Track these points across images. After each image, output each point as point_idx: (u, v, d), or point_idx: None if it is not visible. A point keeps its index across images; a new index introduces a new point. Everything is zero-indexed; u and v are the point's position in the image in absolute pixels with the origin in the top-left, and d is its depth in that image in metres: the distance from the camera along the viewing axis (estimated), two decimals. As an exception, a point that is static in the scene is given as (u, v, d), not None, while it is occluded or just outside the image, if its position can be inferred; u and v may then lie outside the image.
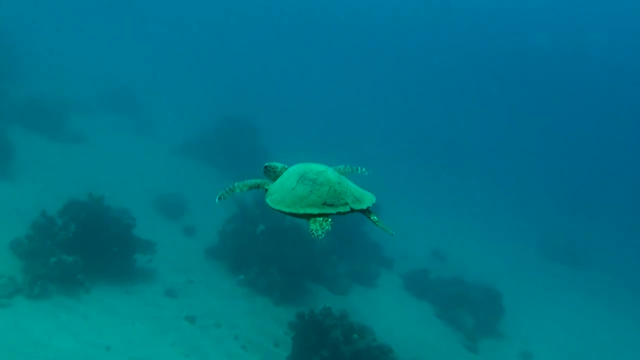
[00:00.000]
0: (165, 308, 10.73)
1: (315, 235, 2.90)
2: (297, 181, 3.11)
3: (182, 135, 23.43)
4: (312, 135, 29.43)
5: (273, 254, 12.66)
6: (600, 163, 39.96)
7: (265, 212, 13.43)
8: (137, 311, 10.35)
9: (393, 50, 51.46)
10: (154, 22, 45.05)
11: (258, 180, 3.56)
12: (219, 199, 3.48)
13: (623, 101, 44.00)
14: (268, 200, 3.18)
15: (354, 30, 52.13)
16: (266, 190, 3.43)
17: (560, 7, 44.58)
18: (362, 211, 3.10)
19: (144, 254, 11.54)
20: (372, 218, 3.19)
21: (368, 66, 50.00)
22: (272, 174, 3.68)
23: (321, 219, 2.94)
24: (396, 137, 34.11)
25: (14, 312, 9.04)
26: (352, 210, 2.99)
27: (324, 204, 2.95)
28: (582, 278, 21.44)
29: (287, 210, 3.00)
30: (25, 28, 28.38)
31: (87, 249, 10.65)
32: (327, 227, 2.92)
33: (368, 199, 3.14)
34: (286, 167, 3.67)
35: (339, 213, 2.96)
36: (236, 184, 3.52)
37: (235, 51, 46.50)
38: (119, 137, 21.83)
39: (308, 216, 3.02)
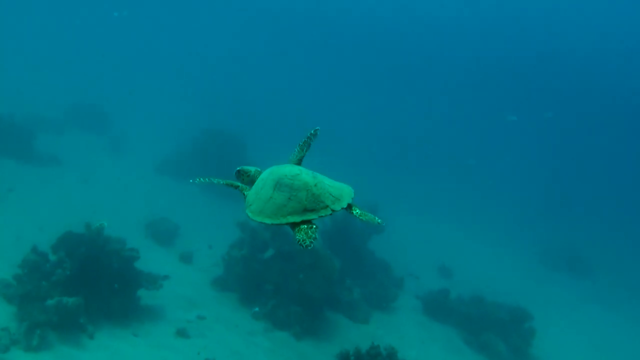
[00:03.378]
0: (179, 351, 9.82)
1: (304, 245, 2.81)
2: (274, 188, 3.06)
3: (161, 152, 22.43)
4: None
5: (288, 282, 11.89)
6: (599, 167, 40.50)
7: (275, 235, 12.68)
8: (148, 356, 9.42)
9: (390, 52, 51.17)
10: (122, 32, 43.70)
11: (238, 183, 3.53)
12: (193, 181, 3.52)
13: (623, 104, 44.56)
14: (248, 212, 3.14)
15: (349, 30, 51.71)
16: (245, 196, 3.39)
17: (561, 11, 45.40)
18: (344, 209, 3.08)
19: (148, 289, 10.59)
20: (354, 212, 3.16)
21: (364, 68, 49.57)
22: (246, 178, 3.64)
23: (306, 226, 2.88)
24: (391, 144, 33.68)
25: (13, 368, 8.03)
26: (334, 212, 2.97)
27: (305, 210, 2.91)
28: (591, 287, 21.35)
29: (269, 221, 2.96)
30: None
31: (87, 288, 9.69)
32: (313, 236, 2.87)
33: (347, 195, 3.12)
34: (260, 170, 3.63)
35: (320, 217, 2.95)
36: (215, 180, 3.52)
37: (210, 59, 45.41)
38: (93, 157, 20.69)
39: (291, 225, 2.96)
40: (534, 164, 39.08)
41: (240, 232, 13.17)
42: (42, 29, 38.25)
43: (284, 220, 2.93)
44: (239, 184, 3.52)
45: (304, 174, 3.16)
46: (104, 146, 22.70)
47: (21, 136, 17.69)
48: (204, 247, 14.74)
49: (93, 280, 9.83)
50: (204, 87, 35.93)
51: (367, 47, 50.95)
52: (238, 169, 3.68)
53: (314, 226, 2.93)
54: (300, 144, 3.77)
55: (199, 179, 3.55)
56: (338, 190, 3.14)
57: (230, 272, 12.58)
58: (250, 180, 3.60)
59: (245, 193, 3.41)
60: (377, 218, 3.19)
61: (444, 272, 18.77)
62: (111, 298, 10.01)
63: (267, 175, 3.29)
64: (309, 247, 2.84)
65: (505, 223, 26.35)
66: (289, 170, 3.21)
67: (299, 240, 2.87)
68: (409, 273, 16.84)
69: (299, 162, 3.72)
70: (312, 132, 3.78)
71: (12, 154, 17.05)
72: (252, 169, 3.65)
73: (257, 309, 11.58)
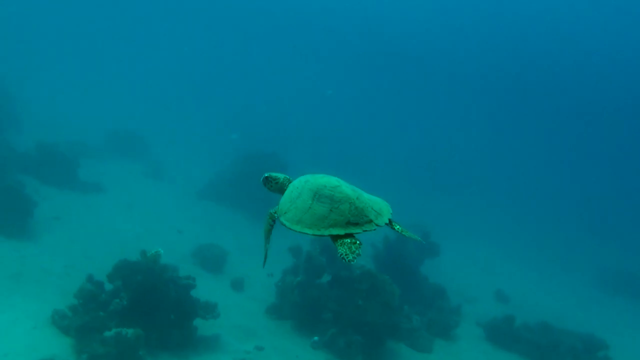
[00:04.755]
0: (240, 384, 9.42)
1: (346, 260, 2.75)
2: (312, 199, 3.01)
3: (201, 176, 22.39)
4: (344, 164, 28.43)
5: (347, 309, 11.42)
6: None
7: (331, 260, 12.29)
8: (209, 390, 9.05)
9: (429, 73, 50.84)
10: (155, 61, 44.45)
11: (269, 221, 3.38)
12: (264, 264, 3.55)
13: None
14: (283, 219, 3.07)
15: (389, 48, 51.69)
16: (274, 213, 3.30)
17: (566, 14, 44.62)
18: (386, 224, 3.04)
19: (205, 318, 10.26)
20: (396, 228, 3.11)
21: (401, 88, 49.29)
22: (274, 185, 3.58)
23: (349, 241, 2.83)
24: (437, 168, 33.13)
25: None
26: (378, 227, 2.92)
27: (348, 223, 2.86)
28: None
29: (309, 232, 2.94)
30: (22, 73, 27.53)
31: (144, 318, 9.41)
32: (357, 252, 2.78)
33: (386, 210, 3.09)
34: (289, 178, 3.59)
35: (364, 232, 2.89)
36: (264, 244, 3.48)
37: (247, 82, 45.79)
38: (134, 184, 20.71)
39: (333, 237, 2.91)
40: (580, 185, 38.03)
41: (293, 257, 12.83)
42: (76, 57, 39.07)
43: (325, 232, 2.89)
44: (269, 221, 3.39)
45: (344, 186, 3.10)
46: (143, 172, 22.72)
47: (65, 164, 17.73)
48: (254, 274, 14.38)
49: (150, 309, 9.55)
50: (242, 110, 36.02)
51: (407, 68, 50.80)
52: (266, 175, 3.61)
53: (358, 242, 2.85)
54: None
55: (264, 258, 3.58)
56: (378, 205, 3.10)
57: (285, 299, 12.19)
58: (278, 187, 3.55)
59: (276, 215, 3.31)
60: (416, 236, 3.15)
61: (500, 297, 18.06)
62: (169, 328, 9.70)
63: (302, 184, 3.22)
64: (352, 262, 2.75)
65: (555, 245, 25.50)
66: (327, 180, 3.14)
67: (341, 254, 2.82)
68: (465, 299, 16.27)
69: None
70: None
71: (56, 181, 17.08)
72: (280, 175, 3.60)
73: (316, 338, 11.14)
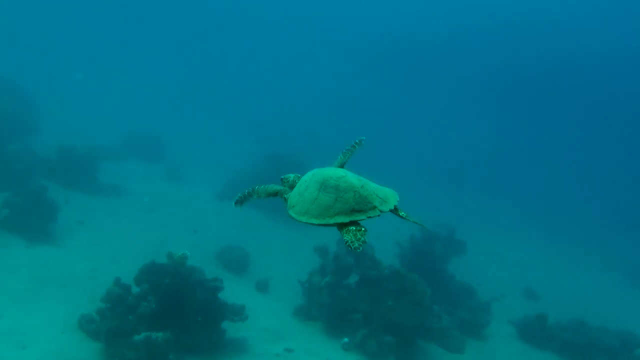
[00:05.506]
0: (272, 387, 9.28)
1: (352, 247, 2.82)
2: (319, 190, 3.08)
3: (220, 178, 22.26)
4: (366, 164, 28.16)
5: (376, 309, 11.25)
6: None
7: (359, 260, 12.11)
8: (240, 394, 8.92)
9: (449, 68, 50.55)
10: (171, 63, 44.56)
11: (278, 187, 3.53)
12: (237, 203, 3.53)
13: None
14: (291, 213, 3.17)
15: (398, 45, 51.46)
16: (285, 200, 3.40)
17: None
18: (391, 211, 3.10)
19: (234, 321, 10.14)
20: (401, 214, 3.18)
21: (421, 86, 49.00)
22: (287, 185, 3.65)
23: (354, 228, 2.89)
24: (463, 165, 32.74)
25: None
26: (382, 212, 2.98)
27: (352, 210, 2.92)
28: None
29: (315, 222, 2.97)
30: (38, 77, 27.68)
31: (172, 322, 9.31)
32: (362, 239, 2.85)
33: (392, 197, 3.14)
34: (299, 175, 3.66)
35: (369, 218, 2.94)
36: (256, 187, 3.55)
37: (265, 83, 45.72)
38: (154, 186, 20.66)
39: (339, 226, 2.97)
40: (612, 179, 37.40)
41: (320, 257, 12.66)
42: (92, 59, 39.28)
43: (331, 221, 2.94)
44: (279, 188, 3.53)
45: (349, 176, 3.18)
46: (162, 174, 22.69)
47: (85, 167, 17.75)
48: (278, 275, 14.26)
49: (178, 313, 9.45)
50: (260, 111, 35.94)
51: (428, 67, 50.51)
52: (281, 177, 3.72)
53: (363, 229, 2.91)
54: (344, 150, 3.79)
55: (241, 196, 3.59)
56: (383, 192, 3.15)
57: (312, 300, 12.03)
58: (290, 185, 3.62)
59: (286, 196, 3.44)
60: (423, 222, 3.24)
61: (529, 295, 17.75)
62: (197, 331, 9.59)
63: (310, 177, 3.31)
64: (358, 250, 2.83)
65: (583, 241, 25.04)
66: (332, 172, 3.22)
67: (347, 242, 2.86)
68: (493, 297, 15.97)
69: (341, 167, 3.70)
70: (358, 141, 3.82)
71: (77, 185, 17.09)
72: (291, 175, 3.68)
73: (346, 339, 10.97)
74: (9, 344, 8.57)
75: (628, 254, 24.09)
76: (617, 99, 45.54)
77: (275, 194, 3.53)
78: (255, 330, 10.81)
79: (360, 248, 2.85)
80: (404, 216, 3.22)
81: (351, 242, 2.86)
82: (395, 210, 3.16)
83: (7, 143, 15.92)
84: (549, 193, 31.77)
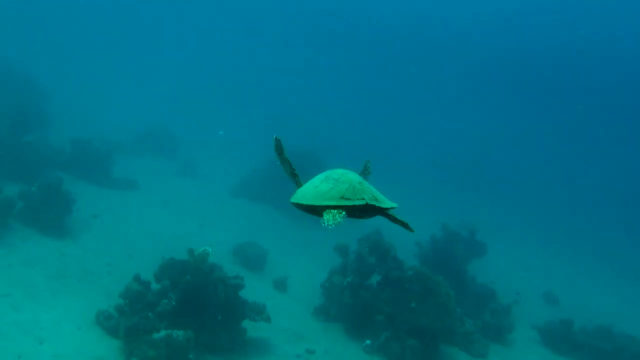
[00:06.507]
0: (294, 390, 9.06)
1: (327, 224, 2.99)
2: (321, 181, 3.28)
3: (234, 174, 22.10)
4: (383, 165, 27.90)
5: (399, 311, 11.00)
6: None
7: (381, 260, 11.87)
8: (262, 396, 8.71)
9: (464, 69, 50.09)
10: (184, 58, 44.47)
11: (297, 174, 3.59)
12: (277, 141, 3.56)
13: None
14: (291, 199, 3.30)
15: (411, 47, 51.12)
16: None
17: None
18: (380, 211, 3.20)
19: (255, 320, 9.92)
20: (389, 213, 3.24)
21: (436, 87, 48.64)
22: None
23: (336, 211, 3.05)
24: (485, 164, 32.37)
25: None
26: (368, 205, 3.09)
27: (342, 197, 3.09)
28: None
29: (305, 202, 3.15)
30: (52, 70, 27.61)
31: (193, 320, 9.10)
32: (339, 219, 3.02)
33: (388, 202, 3.24)
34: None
35: (354, 206, 3.09)
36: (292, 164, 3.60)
37: (280, 79, 45.48)
38: (168, 181, 20.55)
39: (325, 208, 3.12)
40: (630, 187, 36.89)
41: (340, 257, 12.44)
42: (106, 53, 39.27)
43: (319, 203, 3.10)
44: (298, 176, 3.59)
45: (353, 175, 3.33)
46: (176, 170, 22.57)
47: (99, 161, 17.62)
48: (296, 274, 14.04)
49: (199, 310, 9.25)
50: (275, 107, 35.73)
51: (444, 67, 50.05)
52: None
53: (343, 212, 3.06)
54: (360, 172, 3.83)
55: (278, 145, 3.58)
56: (381, 197, 3.25)
57: (332, 300, 11.81)
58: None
59: (297, 187, 3.56)
60: (410, 225, 3.30)
61: (550, 299, 17.45)
62: (218, 330, 9.38)
63: (319, 175, 3.46)
64: (329, 227, 2.97)
65: (604, 247, 24.70)
66: (341, 170, 3.40)
67: (324, 220, 3.01)
68: (513, 301, 15.66)
69: None
70: (367, 165, 3.89)
71: (92, 179, 16.98)
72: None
73: (368, 341, 10.74)
74: (27, 339, 8.40)
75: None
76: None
77: (294, 176, 3.58)
78: (274, 330, 10.57)
79: (333, 225, 2.97)
80: (392, 215, 3.27)
81: (327, 220, 3.00)
82: (385, 213, 3.26)
83: (22, 134, 15.76)
84: (570, 198, 31.37)
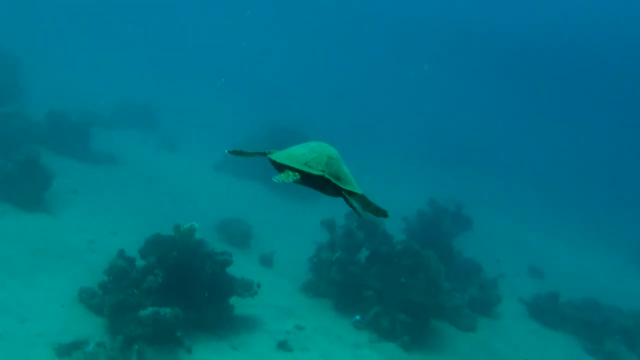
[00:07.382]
0: (284, 366, 8.98)
1: (276, 180, 3.11)
2: (300, 147, 3.35)
3: (216, 149, 21.73)
4: (368, 142, 27.75)
5: (389, 286, 10.96)
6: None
7: (370, 234, 11.82)
8: (252, 373, 8.62)
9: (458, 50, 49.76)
10: (165, 31, 43.46)
11: (265, 150, 3.54)
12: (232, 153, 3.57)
13: None
14: (268, 155, 3.40)
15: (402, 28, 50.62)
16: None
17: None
18: (339, 191, 3.18)
19: (243, 296, 9.78)
20: (347, 197, 3.23)
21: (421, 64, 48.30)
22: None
23: (292, 173, 3.15)
24: (469, 142, 32.38)
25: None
26: (324, 179, 3.12)
27: (305, 164, 3.17)
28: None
29: (276, 160, 3.25)
30: (28, 43, 26.75)
31: (179, 297, 8.94)
32: (290, 179, 3.12)
33: (349, 185, 3.21)
34: None
35: (309, 173, 3.14)
36: (246, 153, 3.59)
37: (260, 52, 44.83)
38: (149, 155, 20.17)
39: (286, 168, 3.21)
40: (613, 158, 37.34)
41: (327, 232, 12.32)
42: (85, 26, 38.25)
43: (283, 162, 3.18)
44: (267, 150, 3.55)
45: (331, 150, 3.33)
46: (156, 144, 22.15)
47: (77, 134, 17.14)
48: (282, 250, 13.89)
49: (186, 287, 9.08)
50: (257, 84, 35.22)
51: (430, 46, 49.65)
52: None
53: (298, 176, 3.13)
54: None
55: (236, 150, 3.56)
56: (347, 178, 3.23)
57: (321, 276, 11.72)
58: None
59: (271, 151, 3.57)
60: (359, 210, 3.33)
61: (535, 273, 17.63)
62: (205, 307, 9.23)
63: (304, 143, 3.49)
64: (276, 182, 3.07)
65: (586, 220, 25.00)
66: (324, 144, 3.41)
67: (277, 177, 3.12)
68: (499, 274, 15.77)
69: None
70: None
71: (69, 152, 16.52)
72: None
73: (358, 317, 10.70)
74: (8, 318, 8.16)
75: (632, 234, 24.04)
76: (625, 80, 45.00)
77: (263, 154, 3.53)
78: (262, 306, 10.47)
79: (280, 181, 3.07)
80: (349, 202, 3.26)
81: (278, 177, 3.10)
82: (345, 196, 3.25)
83: (-3, 106, 15.25)
84: (552, 172, 31.63)
